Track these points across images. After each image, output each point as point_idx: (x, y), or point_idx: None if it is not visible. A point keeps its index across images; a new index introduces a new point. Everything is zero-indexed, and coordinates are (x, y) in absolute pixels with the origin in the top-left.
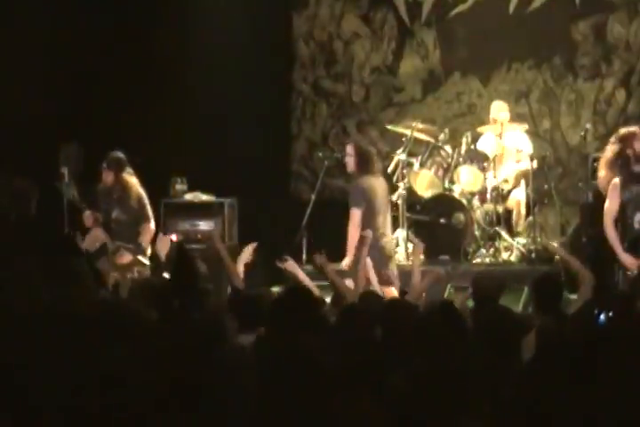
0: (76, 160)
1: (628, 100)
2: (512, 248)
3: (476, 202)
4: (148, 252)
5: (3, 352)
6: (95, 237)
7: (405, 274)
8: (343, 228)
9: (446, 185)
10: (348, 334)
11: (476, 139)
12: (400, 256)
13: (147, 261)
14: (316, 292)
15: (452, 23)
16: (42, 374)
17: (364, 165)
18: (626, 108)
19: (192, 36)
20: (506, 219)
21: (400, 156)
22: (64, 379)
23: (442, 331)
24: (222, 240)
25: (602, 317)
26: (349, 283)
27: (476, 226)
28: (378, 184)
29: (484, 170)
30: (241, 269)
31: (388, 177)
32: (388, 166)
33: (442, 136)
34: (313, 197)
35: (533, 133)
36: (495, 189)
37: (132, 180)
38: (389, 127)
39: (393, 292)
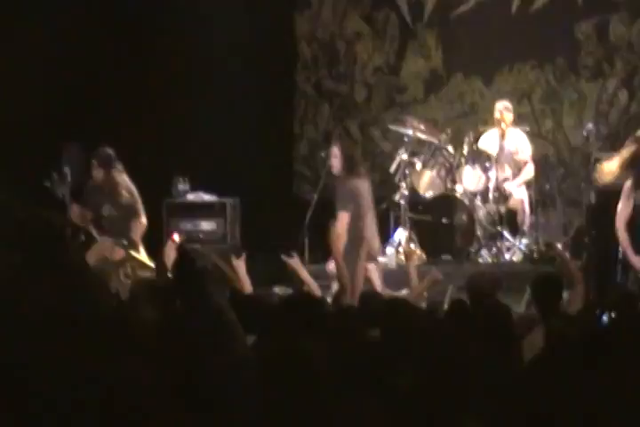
0: (78, 160)
1: (630, 101)
2: (514, 248)
3: (478, 202)
4: (141, 248)
5: (3, 352)
6: (104, 248)
7: (404, 274)
8: None
9: (448, 185)
10: (348, 336)
11: (478, 139)
12: (402, 256)
13: (139, 256)
14: (318, 291)
15: (455, 23)
16: (44, 376)
17: (350, 166)
18: (628, 109)
19: (194, 37)
20: (508, 219)
21: (402, 156)
22: (66, 380)
23: (452, 331)
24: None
25: (604, 317)
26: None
27: (478, 226)
28: (364, 186)
29: (486, 170)
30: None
31: (391, 177)
32: (391, 166)
33: (444, 136)
34: (315, 197)
35: (536, 134)
36: (497, 189)
37: (122, 176)
38: (392, 127)
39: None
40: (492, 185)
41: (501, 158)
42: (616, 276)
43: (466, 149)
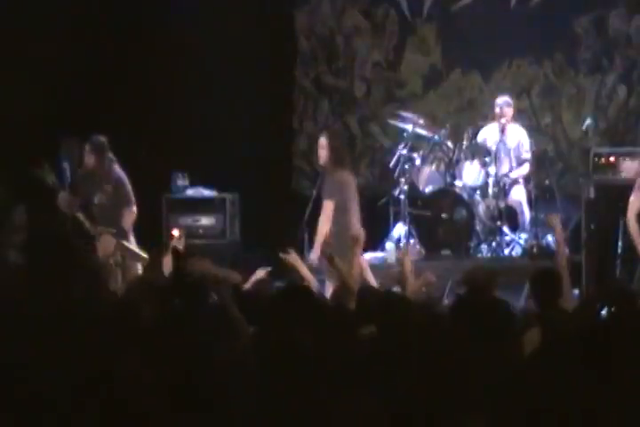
0: (77, 156)
1: (629, 96)
2: (513, 243)
3: (477, 197)
4: (131, 237)
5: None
6: (108, 243)
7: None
8: None
9: (448, 180)
10: (348, 332)
11: (477, 134)
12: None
13: (129, 245)
14: (316, 286)
15: (454, 18)
16: (43, 374)
17: (337, 158)
18: (627, 104)
19: (194, 32)
20: (507, 214)
21: (401, 151)
22: (65, 378)
23: (451, 327)
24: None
25: (603, 312)
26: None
27: (477, 221)
28: (350, 179)
29: (485, 165)
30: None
31: (390, 172)
32: (390, 161)
33: (443, 131)
34: (314, 192)
35: (535, 128)
36: (497, 184)
37: (114, 164)
38: (391, 122)
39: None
40: (491, 180)
41: (501, 153)
42: (615, 270)
43: (465, 144)
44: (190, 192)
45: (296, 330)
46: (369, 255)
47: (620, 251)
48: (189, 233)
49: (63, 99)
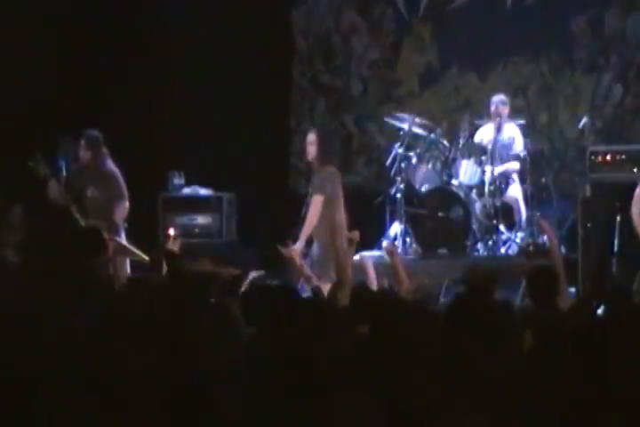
0: (73, 154)
1: (625, 94)
2: (510, 242)
3: (473, 195)
4: (122, 232)
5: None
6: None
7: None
8: None
9: (444, 179)
10: (346, 332)
11: (473, 133)
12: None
13: (120, 240)
14: (316, 281)
15: (450, 17)
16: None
17: (326, 154)
18: (623, 102)
19: (191, 31)
20: (504, 212)
21: (398, 149)
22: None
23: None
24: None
25: (599, 310)
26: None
27: (473, 219)
28: (338, 176)
29: (481, 163)
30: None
31: (386, 171)
32: (386, 160)
33: (440, 130)
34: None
35: (531, 127)
36: (493, 182)
37: (108, 159)
38: (388, 120)
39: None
40: (487, 179)
41: (496, 152)
42: (611, 268)
43: (461, 143)
44: (187, 191)
45: (294, 329)
46: (365, 254)
47: (616, 249)
48: (186, 232)
49: (60, 97)
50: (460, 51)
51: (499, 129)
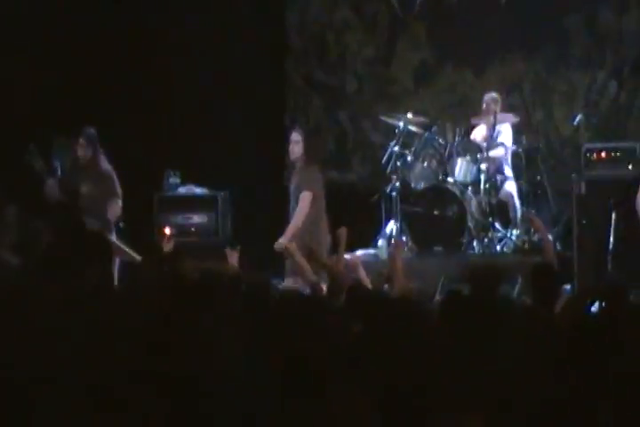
0: (69, 154)
1: (620, 91)
2: (506, 239)
3: (469, 193)
4: (113, 230)
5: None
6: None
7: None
8: (336, 219)
9: (440, 176)
10: (340, 331)
11: (468, 130)
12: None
13: (112, 238)
14: (314, 277)
15: (445, 14)
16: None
17: (311, 154)
18: (618, 99)
19: (184, 29)
20: (499, 210)
21: (393, 147)
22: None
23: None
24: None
25: (594, 307)
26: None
27: (469, 217)
28: (321, 178)
29: (477, 161)
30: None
31: (382, 169)
32: (382, 158)
33: (435, 127)
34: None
35: (526, 124)
36: (489, 180)
37: (102, 156)
38: (383, 118)
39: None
40: (483, 176)
41: (490, 149)
42: (606, 265)
43: (457, 141)
44: (182, 190)
45: (294, 330)
46: (361, 252)
47: (611, 246)
48: (182, 231)
49: (54, 97)
50: (455, 48)
51: (492, 127)
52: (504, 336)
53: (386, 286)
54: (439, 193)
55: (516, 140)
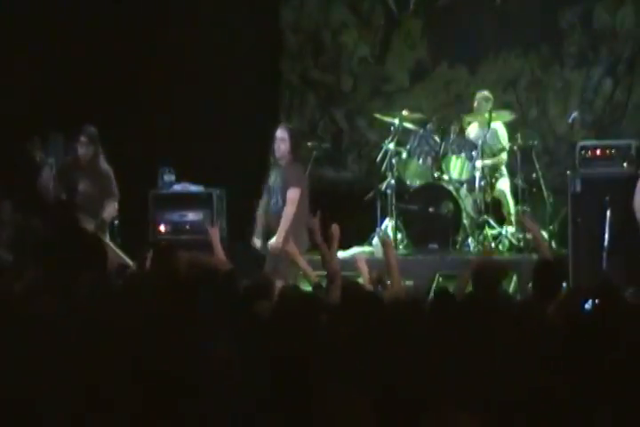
0: (63, 151)
1: (614, 89)
2: (500, 237)
3: (464, 191)
4: (106, 229)
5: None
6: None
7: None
8: (331, 217)
9: (435, 174)
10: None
11: (463, 128)
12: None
13: (106, 241)
14: (314, 277)
15: (440, 12)
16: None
17: (298, 151)
18: (613, 97)
19: (180, 28)
20: (494, 208)
21: (388, 145)
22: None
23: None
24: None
25: (587, 305)
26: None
27: (464, 215)
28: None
29: (472, 159)
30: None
31: (377, 166)
32: (377, 156)
33: (430, 125)
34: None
35: (521, 122)
36: (484, 177)
37: (102, 155)
38: (377, 116)
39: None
40: (478, 174)
41: (484, 147)
42: (601, 263)
43: (452, 138)
44: (177, 187)
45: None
46: (356, 249)
47: (606, 244)
48: (176, 229)
49: (51, 95)
50: (450, 46)
51: (483, 125)
52: (497, 335)
53: (379, 287)
54: (434, 191)
55: (511, 138)
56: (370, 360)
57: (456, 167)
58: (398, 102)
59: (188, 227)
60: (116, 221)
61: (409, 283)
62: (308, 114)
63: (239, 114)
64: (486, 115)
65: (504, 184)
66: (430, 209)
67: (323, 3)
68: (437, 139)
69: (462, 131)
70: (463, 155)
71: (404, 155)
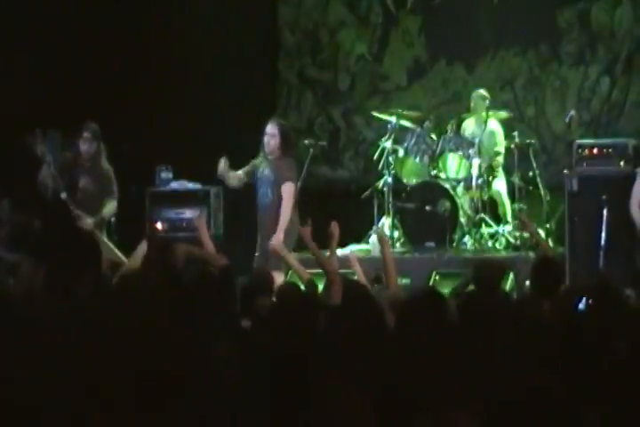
0: (61, 148)
1: (612, 88)
2: (497, 235)
3: (461, 189)
4: (104, 228)
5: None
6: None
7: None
8: (329, 216)
9: (432, 172)
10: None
11: (461, 126)
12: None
13: (103, 239)
14: (307, 276)
15: (437, 10)
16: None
17: (289, 147)
18: (610, 96)
19: (177, 25)
20: (491, 206)
21: (385, 143)
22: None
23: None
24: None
25: (581, 304)
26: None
27: (461, 213)
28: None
29: (469, 157)
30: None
31: (374, 165)
32: (374, 154)
33: (427, 123)
34: (298, 184)
35: (518, 120)
36: (480, 176)
37: (104, 153)
38: (375, 114)
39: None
40: (475, 172)
41: (481, 145)
42: (598, 262)
43: (449, 137)
44: (174, 185)
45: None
46: (353, 248)
47: (603, 243)
48: (173, 226)
49: (49, 93)
50: (448, 44)
51: (481, 123)
52: (497, 334)
53: (375, 286)
54: (431, 189)
55: (507, 136)
56: (370, 360)
57: (453, 165)
58: (396, 101)
59: (185, 224)
60: (113, 219)
61: (405, 281)
62: (305, 112)
63: (237, 112)
64: (483, 113)
65: (500, 185)
66: (427, 207)
67: (321, 1)
68: (434, 137)
69: (459, 129)
70: (460, 153)
71: (401, 153)
